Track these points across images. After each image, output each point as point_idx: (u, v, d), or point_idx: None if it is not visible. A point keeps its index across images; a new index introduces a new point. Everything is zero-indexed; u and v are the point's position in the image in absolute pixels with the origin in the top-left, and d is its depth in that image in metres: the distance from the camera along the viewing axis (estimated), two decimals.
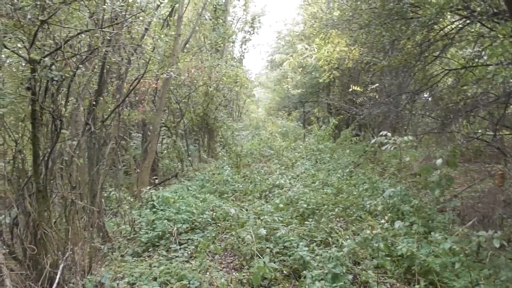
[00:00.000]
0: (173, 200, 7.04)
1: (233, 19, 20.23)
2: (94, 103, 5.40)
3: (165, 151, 10.52)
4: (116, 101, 6.38)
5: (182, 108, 12.28)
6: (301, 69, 18.31)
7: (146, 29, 7.24)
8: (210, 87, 13.71)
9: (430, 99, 9.53)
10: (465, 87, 8.98)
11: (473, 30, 8.16)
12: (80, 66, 4.51)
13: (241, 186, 8.33)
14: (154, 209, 6.64)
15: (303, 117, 20.87)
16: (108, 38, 5.07)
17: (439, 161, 4.20)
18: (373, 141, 5.04)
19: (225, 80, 12.86)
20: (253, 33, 20.42)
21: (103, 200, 6.09)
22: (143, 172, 9.01)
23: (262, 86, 34.79)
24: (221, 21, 17.41)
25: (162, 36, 8.28)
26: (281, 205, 6.35)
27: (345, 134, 14.20)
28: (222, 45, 16.52)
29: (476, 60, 8.69)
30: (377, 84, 11.48)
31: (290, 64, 17.36)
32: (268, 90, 34.93)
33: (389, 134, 4.81)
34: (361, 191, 7.17)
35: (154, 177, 9.53)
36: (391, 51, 7.75)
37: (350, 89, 12.66)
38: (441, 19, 8.29)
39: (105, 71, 5.81)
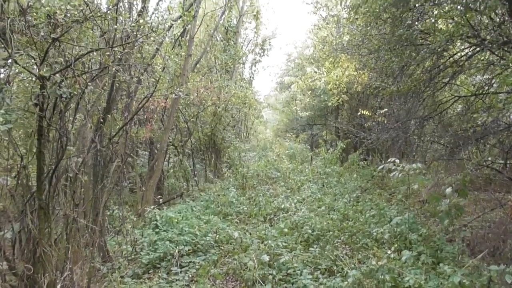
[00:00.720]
0: (176, 220, 6.96)
1: (244, 40, 20.50)
2: (102, 120, 5.42)
3: (171, 170, 10.50)
4: (124, 119, 6.40)
5: (190, 127, 12.32)
6: (310, 91, 18.38)
7: (157, 49, 7.33)
8: (219, 107, 13.79)
9: (439, 125, 9.43)
10: (475, 114, 8.90)
11: (483, 58, 8.14)
12: (90, 83, 4.55)
13: (246, 208, 8.23)
14: (157, 229, 6.57)
15: (310, 139, 20.80)
16: (119, 57, 5.11)
17: (448, 190, 4.10)
18: (380, 167, 4.95)
19: (233, 100, 12.91)
20: (263, 55, 20.63)
21: (106, 218, 6.03)
22: (148, 191, 8.96)
23: (270, 107, 34.93)
24: (232, 42, 17.68)
25: (173, 56, 8.40)
26: (286, 230, 6.23)
27: (353, 158, 14.08)
28: (232, 66, 16.72)
29: (486, 87, 8.64)
30: (386, 109, 11.44)
31: (298, 86, 17.45)
32: (276, 112, 35.09)
33: (397, 160, 4.73)
34: (368, 217, 7.02)
35: (159, 196, 9.48)
36: (400, 77, 7.72)
37: (359, 113, 12.63)
38: (450, 46, 8.30)
39: (114, 89, 5.86)
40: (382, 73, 8.36)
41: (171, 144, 10.56)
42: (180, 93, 8.28)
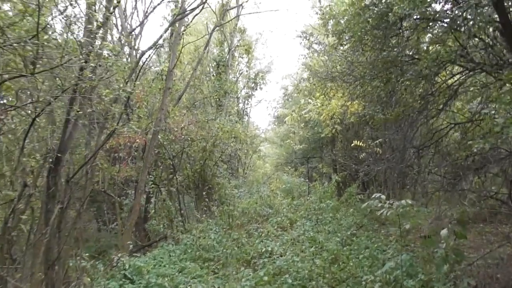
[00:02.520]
0: (146, 270, 6.23)
1: (236, 74, 20.30)
2: (53, 160, 4.85)
3: (152, 211, 9.80)
4: (85, 158, 5.84)
5: (175, 164, 11.73)
6: (303, 124, 17.91)
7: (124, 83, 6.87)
8: (207, 142, 13.27)
9: (436, 154, 8.81)
10: (472, 141, 8.29)
11: (477, 80, 7.65)
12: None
13: (228, 251, 7.47)
14: (123, 280, 5.83)
15: (307, 173, 20.11)
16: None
17: (444, 232, 3.44)
18: (364, 205, 4.30)
19: (221, 135, 12.39)
20: (256, 89, 20.35)
21: (61, 270, 5.33)
22: (124, 235, 8.27)
23: (268, 141, 34.44)
24: (224, 76, 17.43)
25: (153, 89, 7.95)
26: (266, 278, 5.47)
27: (350, 192, 13.35)
28: (223, 100, 16.35)
29: (484, 112, 8.11)
30: (380, 139, 10.88)
31: (291, 119, 16.99)
32: (275, 146, 34.55)
33: (382, 196, 4.09)
34: (362, 259, 6.26)
35: (138, 241, 8.77)
36: (388, 104, 7.20)
37: (352, 144, 12.06)
38: (442, 72, 7.83)
39: (70, 125, 5.32)
40: (371, 101, 7.84)
41: (152, 182, 9.93)
42: (158, 128, 7.80)
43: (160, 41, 8.55)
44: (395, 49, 6.17)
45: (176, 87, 11.91)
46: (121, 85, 5.96)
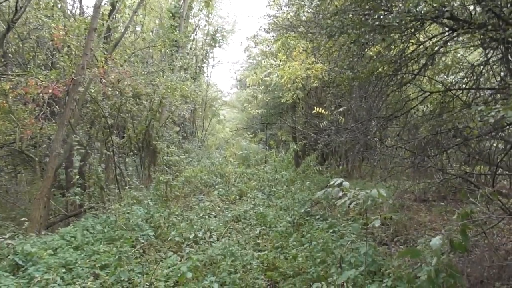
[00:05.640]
0: (45, 255, 4.86)
1: (193, 26, 18.32)
2: None
3: (76, 177, 8.24)
4: None
5: (112, 124, 10.12)
6: (262, 87, 16.52)
7: None
8: (152, 100, 11.68)
9: (404, 127, 7.80)
10: (446, 114, 7.31)
11: (459, 43, 6.55)
12: None
13: (153, 232, 6.18)
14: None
15: (265, 140, 18.96)
16: None
17: (435, 240, 2.30)
18: (318, 193, 3.10)
19: (165, 92, 10.81)
20: (215, 46, 18.55)
21: None
22: (33, 205, 6.76)
23: (228, 105, 32.90)
24: (178, 28, 15.54)
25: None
26: (189, 275, 4.23)
27: (307, 163, 12.35)
28: (175, 54, 14.55)
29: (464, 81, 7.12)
30: (344, 107, 9.77)
31: (251, 80, 15.52)
32: (236, 110, 33.08)
33: (345, 183, 2.91)
34: (312, 248, 5.17)
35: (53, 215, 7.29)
36: (360, 60, 5.96)
37: (314, 112, 10.92)
38: (419, 31, 6.63)
39: None
40: (339, 57, 6.53)
41: (76, 143, 8.33)
42: (79, 77, 6.20)
43: None
44: None
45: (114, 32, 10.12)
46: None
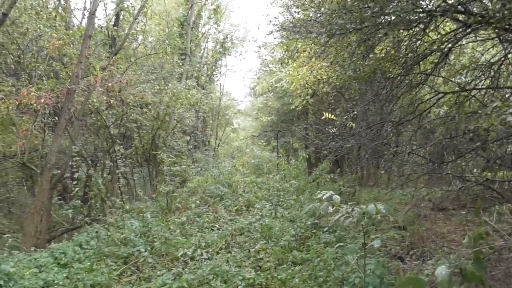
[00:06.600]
0: (29, 273, 4.56)
1: (201, 33, 18.12)
2: None
3: (76, 189, 8.00)
4: None
5: (115, 134, 9.91)
6: (272, 94, 16.14)
7: None
8: (158, 109, 11.43)
9: (418, 131, 7.28)
10: (460, 115, 6.77)
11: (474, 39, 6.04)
12: None
13: (147, 247, 5.81)
14: None
15: (277, 148, 18.52)
16: None
17: (441, 271, 1.86)
18: (305, 209, 2.68)
19: (168, 100, 10.54)
20: (224, 54, 18.30)
21: None
22: (27, 220, 6.52)
23: (242, 113, 32.61)
24: (184, 36, 15.38)
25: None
26: None
27: (319, 170, 11.86)
28: (181, 63, 14.36)
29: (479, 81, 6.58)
30: (354, 112, 9.29)
31: (260, 88, 15.15)
32: (250, 118, 32.76)
33: (336, 197, 2.49)
34: (315, 266, 4.70)
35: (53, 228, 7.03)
36: (364, 59, 5.51)
37: (323, 117, 10.46)
38: (430, 26, 6.14)
39: None
40: (343, 59, 6.09)
41: (75, 155, 8.08)
42: (73, 86, 5.97)
43: None
44: None
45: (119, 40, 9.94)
46: None
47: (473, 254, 1.91)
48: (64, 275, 4.68)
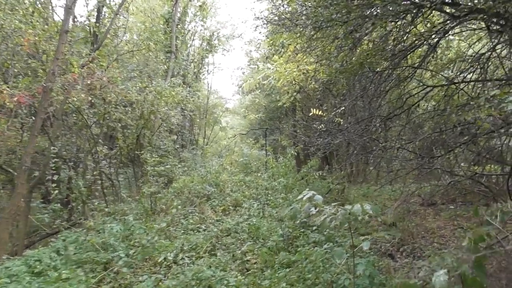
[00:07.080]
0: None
1: (186, 30, 17.79)
2: None
3: (55, 192, 7.67)
4: None
5: (96, 133, 9.59)
6: (259, 91, 15.93)
7: None
8: (142, 107, 11.11)
9: (407, 125, 7.14)
10: (450, 108, 6.65)
11: (463, 31, 5.92)
12: None
13: (129, 253, 5.55)
14: None
15: (265, 146, 18.33)
16: None
17: (439, 277, 1.66)
18: (285, 211, 2.49)
19: (151, 99, 10.25)
20: (211, 51, 18.01)
21: None
22: (0, 226, 6.19)
23: (230, 112, 32.29)
24: (169, 34, 15.05)
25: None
26: None
27: (306, 168, 11.70)
28: (166, 61, 14.05)
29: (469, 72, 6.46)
30: (342, 107, 9.14)
31: (247, 85, 14.97)
32: (239, 117, 32.47)
33: (318, 197, 2.29)
34: (303, 267, 4.50)
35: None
36: (351, 53, 5.33)
37: (311, 114, 10.28)
38: (418, 17, 5.99)
39: None
40: (325, 48, 5.90)
41: (54, 156, 7.76)
42: (49, 84, 5.67)
43: None
44: None
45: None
46: None
47: (475, 259, 1.73)
48: (37, 285, 4.40)
